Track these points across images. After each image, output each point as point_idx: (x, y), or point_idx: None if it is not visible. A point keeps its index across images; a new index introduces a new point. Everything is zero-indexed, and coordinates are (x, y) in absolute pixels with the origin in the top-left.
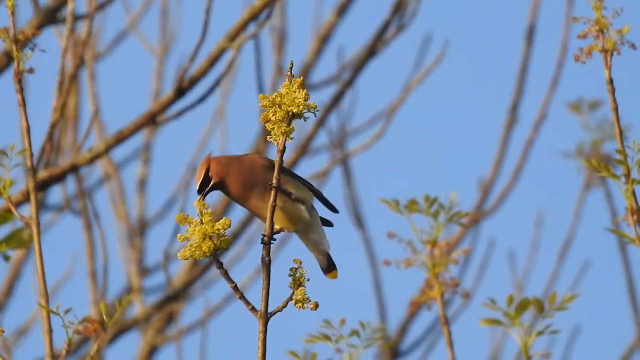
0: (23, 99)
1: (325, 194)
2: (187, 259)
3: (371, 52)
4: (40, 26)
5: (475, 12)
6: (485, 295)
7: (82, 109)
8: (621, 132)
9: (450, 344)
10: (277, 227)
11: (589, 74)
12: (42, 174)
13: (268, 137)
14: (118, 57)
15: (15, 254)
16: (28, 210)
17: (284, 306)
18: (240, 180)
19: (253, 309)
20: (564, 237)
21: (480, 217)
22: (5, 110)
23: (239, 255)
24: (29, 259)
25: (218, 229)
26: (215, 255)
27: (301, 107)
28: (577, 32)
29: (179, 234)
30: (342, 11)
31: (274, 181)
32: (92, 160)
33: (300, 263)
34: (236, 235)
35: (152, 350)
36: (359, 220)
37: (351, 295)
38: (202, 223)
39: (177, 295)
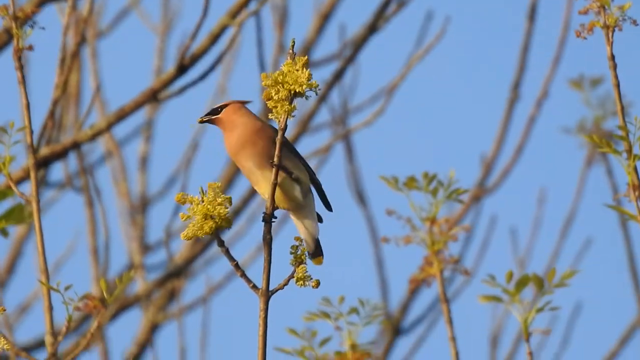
0: (23, 76)
1: (327, 171)
2: (190, 238)
3: (372, 29)
4: (41, 4)
5: None
6: (488, 272)
7: (84, 86)
8: (623, 108)
9: (450, 322)
10: (269, 201)
11: (590, 50)
12: (44, 150)
13: (270, 115)
14: (119, 34)
15: (17, 232)
16: (29, 187)
17: (285, 284)
18: (242, 138)
19: (254, 286)
20: (565, 214)
21: (482, 194)
22: (7, 88)
23: (241, 233)
24: (30, 237)
25: (219, 210)
26: (217, 233)
27: (304, 86)
28: (579, 8)
29: (182, 213)
30: None
31: (275, 159)
32: (94, 137)
33: (302, 241)
34: (237, 213)
35: (154, 327)
36: (360, 197)
37: (353, 273)
38: (202, 201)
39: (179, 272)
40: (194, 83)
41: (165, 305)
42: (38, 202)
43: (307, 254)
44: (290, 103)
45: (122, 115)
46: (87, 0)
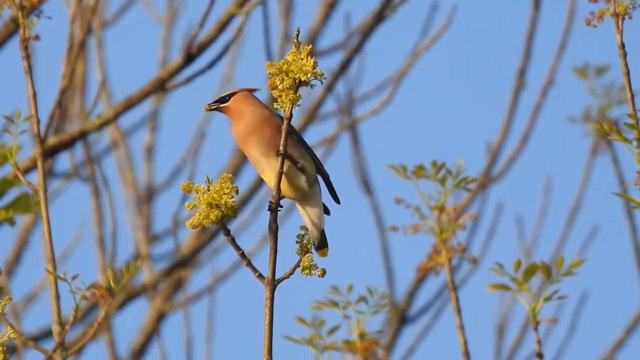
0: (29, 66)
1: (333, 160)
2: (196, 227)
3: (379, 17)
4: None
5: None
6: (494, 261)
7: (90, 76)
8: (632, 96)
9: (458, 310)
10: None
11: (596, 38)
12: (51, 140)
13: (275, 104)
14: (125, 25)
15: (24, 221)
16: (36, 176)
17: (292, 273)
18: (249, 126)
19: (260, 276)
20: (571, 202)
21: (488, 183)
22: (13, 77)
23: (247, 222)
24: (37, 226)
25: (225, 199)
26: (222, 222)
27: (309, 75)
28: None
29: (188, 202)
30: None
31: (281, 148)
32: (101, 126)
33: (307, 230)
34: (244, 202)
35: (160, 317)
36: (367, 186)
37: (359, 262)
38: (208, 190)
39: (185, 262)
40: (201, 72)
41: (171, 295)
42: (45, 191)
43: (312, 244)
44: (295, 92)
45: (129, 104)
46: None
